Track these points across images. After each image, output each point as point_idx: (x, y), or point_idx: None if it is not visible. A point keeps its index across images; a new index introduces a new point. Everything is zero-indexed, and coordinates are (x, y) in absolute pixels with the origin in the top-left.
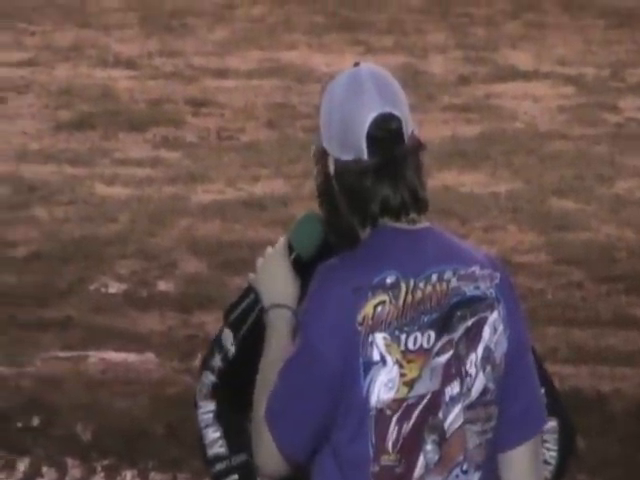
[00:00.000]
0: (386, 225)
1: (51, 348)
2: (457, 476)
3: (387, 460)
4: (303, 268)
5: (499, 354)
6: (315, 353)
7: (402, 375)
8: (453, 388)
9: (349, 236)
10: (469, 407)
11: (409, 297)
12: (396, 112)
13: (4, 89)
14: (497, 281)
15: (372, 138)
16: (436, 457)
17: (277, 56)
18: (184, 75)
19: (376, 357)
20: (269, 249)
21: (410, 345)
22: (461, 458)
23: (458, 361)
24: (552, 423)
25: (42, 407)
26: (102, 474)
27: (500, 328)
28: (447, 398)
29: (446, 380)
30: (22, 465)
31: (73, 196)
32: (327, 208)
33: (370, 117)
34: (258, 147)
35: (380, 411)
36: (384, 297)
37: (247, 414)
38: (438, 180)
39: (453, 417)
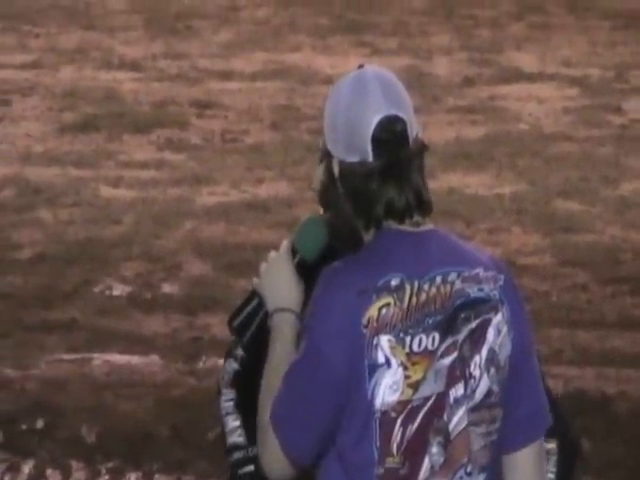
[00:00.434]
0: (390, 227)
1: (56, 350)
2: (461, 478)
3: (392, 462)
4: (307, 271)
5: (503, 356)
6: (320, 356)
7: (407, 377)
8: (457, 390)
9: (353, 238)
10: (473, 409)
11: (414, 299)
12: (401, 114)
13: (8, 91)
14: (501, 283)
15: (377, 140)
16: (441, 459)
17: (282, 58)
18: (188, 77)
19: (381, 359)
20: (273, 253)
21: (415, 347)
22: (465, 460)
23: (462, 363)
24: (551, 445)
25: (47, 409)
26: (107, 476)
27: (504, 330)
28: (451, 400)
29: (450, 382)
30: (27, 467)
31: (78, 198)
32: (331, 210)
33: (375, 119)
34: (262, 149)
35: (385, 413)
36: (389, 299)
37: None
38: (443, 182)
39: (457, 419)
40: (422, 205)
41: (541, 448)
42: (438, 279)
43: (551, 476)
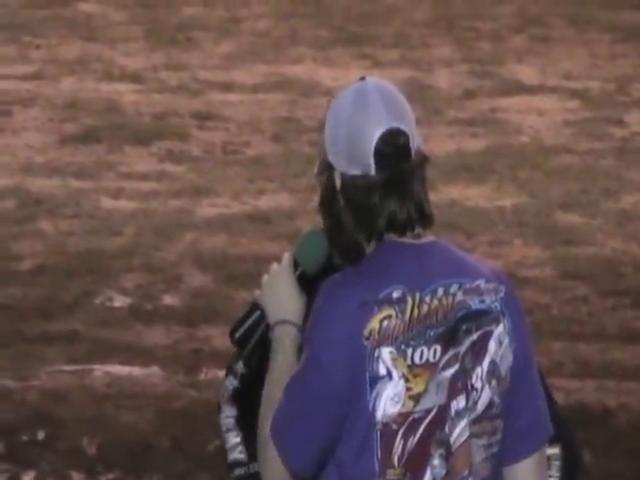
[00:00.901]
0: (391, 240)
1: (56, 362)
2: None
3: (393, 475)
4: (308, 284)
5: (505, 367)
6: (321, 368)
7: (408, 389)
8: (459, 402)
9: (354, 251)
10: (475, 421)
11: (415, 311)
12: (403, 127)
13: (9, 102)
14: (502, 294)
15: (380, 153)
16: (443, 471)
17: (283, 70)
18: (189, 89)
19: (382, 371)
20: (274, 265)
21: (416, 359)
22: (466, 472)
23: (464, 375)
24: (555, 450)
25: (47, 421)
26: None
27: (505, 341)
28: (453, 412)
29: (452, 394)
30: (27, 478)
31: (78, 210)
32: (331, 222)
33: (378, 132)
34: (263, 161)
35: (386, 425)
36: (390, 311)
37: None
38: (444, 194)
39: (459, 431)
40: (424, 218)
41: (542, 459)
42: (440, 291)
43: None
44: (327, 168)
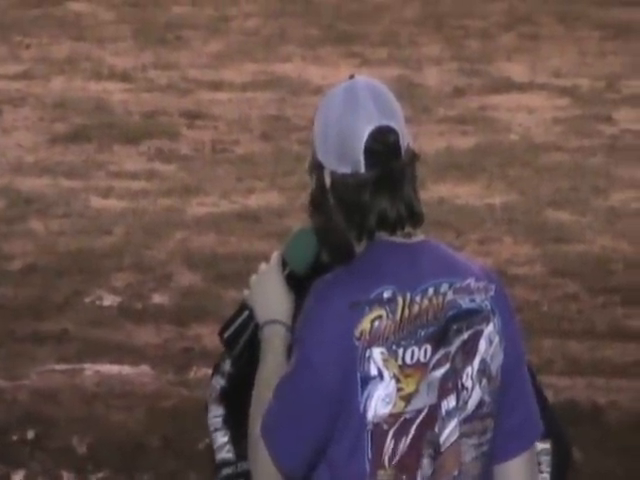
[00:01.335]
0: (382, 239)
1: (47, 361)
2: None
3: (383, 475)
4: (297, 283)
5: (495, 366)
6: (312, 369)
7: (399, 390)
8: (449, 402)
9: (344, 250)
10: (465, 420)
11: (406, 311)
12: (393, 125)
13: (0, 102)
14: (492, 293)
15: (370, 151)
16: (429, 472)
17: (272, 68)
18: (179, 87)
19: (374, 372)
20: (263, 265)
21: (407, 359)
22: (456, 472)
23: (454, 375)
24: (546, 445)
25: (38, 420)
26: None
27: (496, 340)
28: (443, 412)
29: (442, 394)
30: (17, 478)
31: (68, 209)
32: (322, 221)
33: (367, 130)
34: (253, 159)
35: (377, 426)
36: (381, 312)
37: None
38: (433, 192)
39: (449, 431)
40: (414, 216)
41: (533, 457)
42: (430, 291)
43: (545, 476)
44: (317, 167)
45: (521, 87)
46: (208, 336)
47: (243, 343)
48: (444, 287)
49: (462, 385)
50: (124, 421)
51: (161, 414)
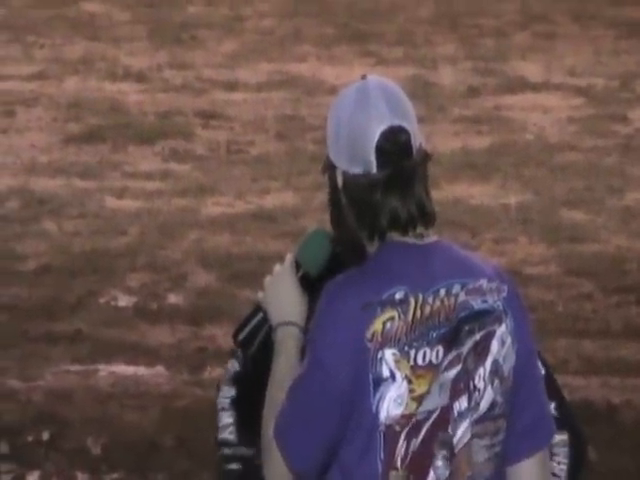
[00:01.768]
0: (394, 240)
1: (61, 362)
2: None
3: (395, 476)
4: (311, 285)
5: (507, 367)
6: (325, 370)
7: (411, 391)
8: (461, 403)
9: (356, 250)
10: (477, 421)
11: (418, 312)
12: (405, 124)
13: (13, 102)
14: (504, 294)
15: (381, 151)
16: (447, 472)
17: (287, 68)
18: (193, 87)
19: (386, 373)
20: (276, 267)
21: (419, 360)
22: (469, 473)
23: (466, 375)
24: (562, 436)
25: (52, 421)
26: None
27: (508, 341)
28: (455, 413)
29: (454, 395)
30: (32, 478)
31: (83, 209)
32: (335, 221)
33: (379, 130)
34: (268, 159)
35: (389, 427)
36: (393, 313)
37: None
38: (448, 192)
39: (462, 432)
40: (425, 216)
41: (545, 458)
42: (442, 292)
43: (563, 467)
44: (329, 167)
45: (536, 86)
46: (222, 336)
47: (257, 345)
48: (456, 288)
49: (474, 386)
50: (138, 421)
51: (175, 414)
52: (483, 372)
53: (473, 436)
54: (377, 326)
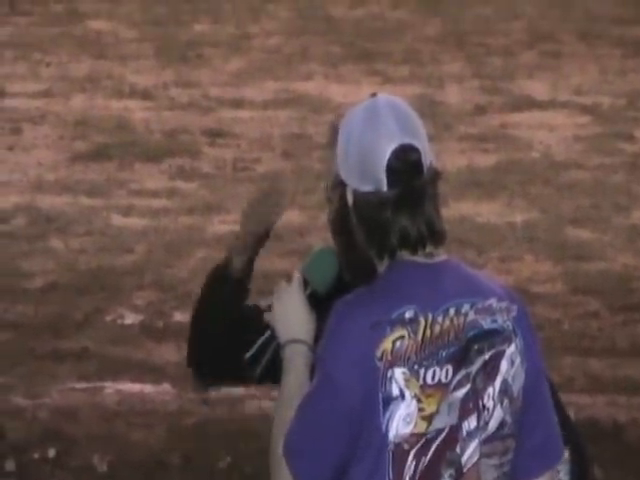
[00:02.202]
0: (404, 259)
1: (67, 379)
2: None
3: None
4: (319, 303)
5: (516, 387)
6: (334, 389)
7: (420, 410)
8: (470, 422)
9: (366, 269)
10: (486, 441)
11: (428, 331)
12: (415, 143)
13: (20, 120)
14: (514, 313)
15: (392, 170)
16: None
17: (293, 86)
18: (200, 105)
19: (395, 392)
20: (284, 284)
21: (429, 380)
22: None
23: (475, 395)
24: (564, 453)
25: (58, 438)
26: None
27: (517, 361)
28: (464, 433)
29: (463, 414)
30: None
31: (89, 227)
32: (343, 239)
33: (390, 148)
34: (274, 177)
35: (398, 445)
36: (403, 332)
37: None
38: (454, 210)
39: (470, 451)
40: (434, 235)
41: (554, 478)
42: (451, 311)
43: None
44: (339, 185)
45: (542, 105)
46: None
47: (264, 363)
48: (465, 307)
49: (483, 405)
50: (145, 439)
51: (182, 432)
52: (492, 392)
53: (482, 456)
54: (387, 345)
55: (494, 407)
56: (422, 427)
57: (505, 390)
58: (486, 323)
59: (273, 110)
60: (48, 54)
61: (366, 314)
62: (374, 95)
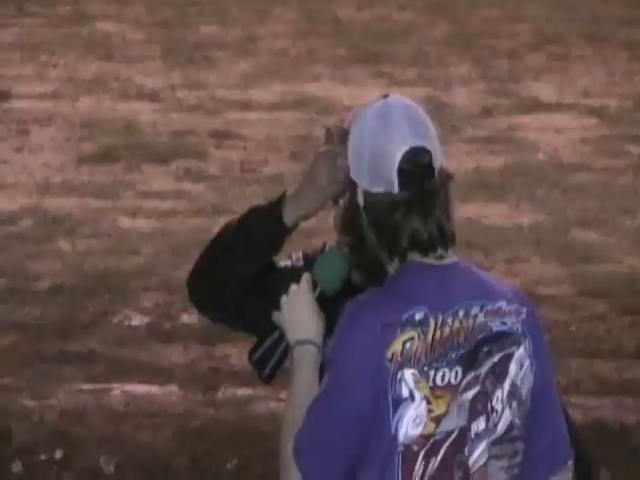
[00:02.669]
0: (414, 260)
1: (74, 381)
2: None
3: None
4: (328, 304)
5: (525, 389)
6: (344, 390)
7: (430, 411)
8: (479, 424)
9: (376, 270)
10: (494, 443)
11: (437, 333)
12: (427, 145)
13: (27, 121)
14: (523, 316)
15: (403, 172)
16: None
17: (300, 88)
18: (207, 107)
19: (405, 393)
20: (293, 286)
21: (438, 381)
22: None
23: (484, 397)
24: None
25: (65, 440)
26: None
27: (526, 363)
28: (473, 434)
29: (472, 416)
30: None
31: (96, 229)
32: (354, 241)
33: (401, 151)
34: (281, 179)
35: (407, 447)
36: (413, 333)
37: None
38: (461, 212)
39: (478, 453)
40: (444, 238)
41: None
42: (461, 313)
43: None
44: (350, 186)
45: (549, 107)
46: (236, 356)
47: (273, 364)
48: (475, 309)
49: (492, 407)
50: (152, 441)
51: (189, 434)
52: (501, 394)
53: (490, 457)
54: (397, 346)
55: (503, 409)
56: (431, 428)
57: (514, 392)
58: (495, 325)
59: (280, 112)
60: (55, 56)
61: (376, 315)
62: (386, 96)
